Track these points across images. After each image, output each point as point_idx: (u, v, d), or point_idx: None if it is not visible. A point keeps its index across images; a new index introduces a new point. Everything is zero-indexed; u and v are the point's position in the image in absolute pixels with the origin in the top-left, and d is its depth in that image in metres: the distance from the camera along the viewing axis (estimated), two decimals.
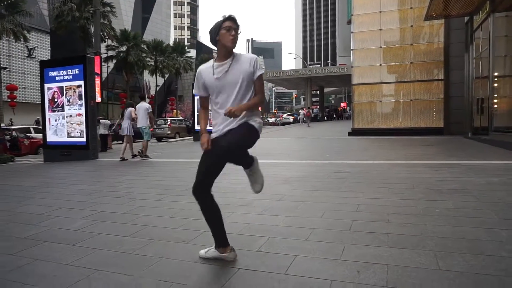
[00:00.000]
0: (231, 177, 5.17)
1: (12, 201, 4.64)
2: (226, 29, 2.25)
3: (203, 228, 3.05)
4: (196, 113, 17.12)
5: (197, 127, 17.13)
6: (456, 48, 14.03)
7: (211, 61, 2.40)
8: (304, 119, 36.34)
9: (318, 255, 2.42)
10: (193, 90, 2.47)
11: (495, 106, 9.83)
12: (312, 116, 37.45)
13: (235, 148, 2.23)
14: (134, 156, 9.47)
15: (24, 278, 2.27)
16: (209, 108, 2.51)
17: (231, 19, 2.29)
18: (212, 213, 2.35)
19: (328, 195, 4.21)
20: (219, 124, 2.35)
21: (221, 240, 2.38)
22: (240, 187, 4.71)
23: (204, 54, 61.92)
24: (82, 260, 2.52)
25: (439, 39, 14.89)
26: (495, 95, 9.85)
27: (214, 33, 2.29)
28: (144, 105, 9.47)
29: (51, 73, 9.88)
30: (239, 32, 2.31)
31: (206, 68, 2.39)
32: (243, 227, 3.09)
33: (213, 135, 2.37)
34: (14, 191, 5.34)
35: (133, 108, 9.55)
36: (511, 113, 8.61)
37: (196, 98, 17.43)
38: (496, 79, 9.80)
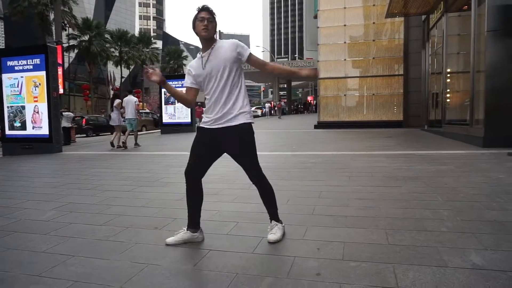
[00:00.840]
0: None
1: None
2: (199, 20, 2.38)
3: (174, 216, 3.21)
4: (163, 105, 16.95)
5: (164, 120, 16.99)
6: (414, 45, 14.79)
7: (199, 54, 2.52)
8: (272, 111, 36.83)
9: (284, 236, 2.64)
10: (185, 82, 2.56)
11: (448, 100, 10.54)
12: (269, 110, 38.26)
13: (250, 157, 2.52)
14: (119, 146, 10.03)
15: (0, 265, 2.32)
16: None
17: (203, 9, 2.39)
18: (197, 197, 2.55)
19: (294, 184, 4.46)
20: (212, 112, 2.44)
21: (195, 222, 2.57)
22: (211, 177, 4.86)
23: (170, 45, 60.73)
24: (56, 247, 2.59)
25: (399, 35, 15.62)
26: (448, 90, 10.56)
27: (192, 26, 2.41)
28: (132, 99, 10.20)
29: (10, 63, 9.46)
30: (212, 21, 2.39)
31: (196, 61, 2.51)
32: (213, 214, 3.26)
33: (205, 123, 2.49)
34: None
35: (119, 100, 10.27)
36: (462, 107, 9.28)
37: (163, 90, 17.24)
38: (448, 75, 10.49)
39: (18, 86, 9.48)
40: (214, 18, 2.42)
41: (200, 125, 2.55)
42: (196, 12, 2.40)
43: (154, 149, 9.60)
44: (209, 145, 2.49)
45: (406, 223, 2.82)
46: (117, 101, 10.33)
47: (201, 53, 2.50)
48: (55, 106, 9.42)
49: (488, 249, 2.25)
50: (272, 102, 44.15)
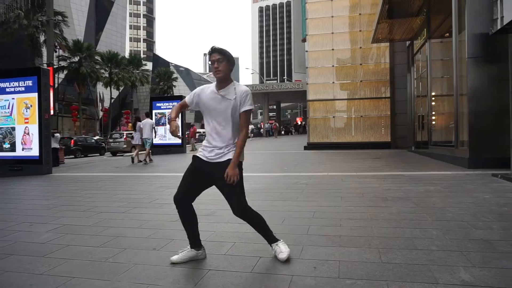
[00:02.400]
0: None
1: None
2: (212, 62, 2.51)
3: (172, 237, 3.26)
4: (153, 126, 16.97)
5: (155, 142, 16.97)
6: (400, 68, 15.34)
7: (213, 86, 2.59)
8: (264, 132, 37.61)
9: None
10: (187, 98, 2.68)
11: (433, 122, 10.89)
12: (266, 130, 38.75)
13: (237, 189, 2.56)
14: (139, 161, 11.79)
15: None
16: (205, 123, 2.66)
17: (214, 51, 2.49)
18: (190, 219, 2.64)
19: (287, 204, 4.55)
20: (208, 147, 2.57)
21: (196, 241, 2.67)
22: (203, 199, 4.92)
23: (160, 67, 61.21)
24: (55, 269, 2.61)
25: (385, 59, 16.18)
26: (433, 113, 10.93)
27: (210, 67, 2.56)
28: (149, 121, 12.02)
29: (1, 84, 9.48)
30: (222, 61, 2.46)
31: (208, 89, 2.60)
32: (210, 234, 3.32)
33: (200, 153, 2.61)
34: None
35: (140, 123, 12.03)
36: (447, 128, 9.59)
37: (154, 111, 17.34)
38: (433, 98, 10.88)
39: (8, 108, 9.46)
40: (225, 56, 2.48)
41: (197, 155, 2.64)
42: (208, 54, 2.54)
43: (146, 171, 9.59)
44: (202, 175, 2.60)
45: (397, 242, 2.92)
46: (138, 123, 12.06)
47: (216, 87, 2.56)
48: (46, 127, 9.41)
49: (476, 266, 2.37)
50: (270, 121, 45.03)
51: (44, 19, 20.67)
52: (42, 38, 31.77)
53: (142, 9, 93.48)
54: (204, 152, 2.58)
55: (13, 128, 9.45)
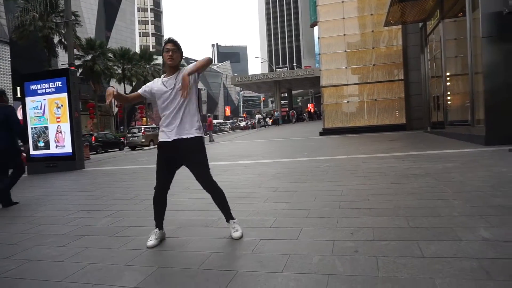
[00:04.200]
0: (228, 176, 5.77)
1: (30, 209, 4.98)
2: (165, 50, 2.88)
3: (217, 215, 3.66)
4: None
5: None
6: (413, 50, 15.38)
7: (161, 77, 2.99)
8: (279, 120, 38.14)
9: (319, 226, 3.10)
10: (140, 89, 3.07)
11: (449, 102, 11.03)
12: (275, 119, 39.15)
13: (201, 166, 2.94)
14: None
15: (91, 259, 2.78)
16: (156, 113, 3.08)
17: (169, 41, 2.88)
18: (164, 204, 3.09)
19: (315, 185, 4.92)
20: (169, 129, 2.89)
21: (161, 223, 3.10)
22: (238, 184, 5.35)
23: None
24: (127, 245, 3.05)
25: (397, 42, 16.21)
26: (448, 93, 11.06)
27: (162, 53, 2.94)
28: None
29: (33, 87, 10.02)
30: (176, 51, 2.84)
31: (158, 80, 2.99)
32: (251, 212, 3.72)
33: (161, 138, 2.95)
34: (26, 200, 5.61)
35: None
36: (463, 108, 9.75)
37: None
38: (448, 78, 11.00)
39: (41, 108, 10.02)
40: (179, 48, 2.88)
41: (160, 140, 2.95)
42: (163, 43, 2.93)
43: None
44: (172, 158, 2.94)
45: (422, 211, 3.27)
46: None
47: (164, 76, 2.95)
48: (77, 125, 9.95)
49: (495, 226, 2.71)
50: (274, 111, 45.27)
51: (62, 21, 21.19)
52: (56, 38, 32.47)
53: (149, 3, 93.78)
54: (165, 134, 2.91)
55: (46, 128, 10.02)
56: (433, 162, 6.03)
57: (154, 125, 31.27)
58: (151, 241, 2.97)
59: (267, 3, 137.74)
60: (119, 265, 2.61)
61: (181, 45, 2.94)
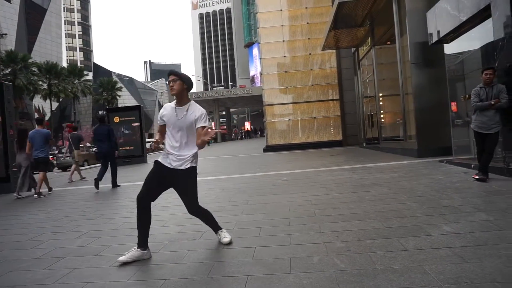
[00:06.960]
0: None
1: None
2: (169, 83, 3.08)
3: (205, 229, 3.73)
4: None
5: None
6: (347, 72, 16.84)
7: (174, 103, 3.12)
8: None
9: (305, 232, 3.36)
10: (159, 121, 3.20)
11: (382, 120, 12.26)
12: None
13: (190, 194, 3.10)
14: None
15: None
16: (166, 133, 3.16)
17: (168, 74, 3.05)
18: (146, 220, 3.01)
19: (283, 197, 5.20)
20: (171, 153, 3.03)
21: (144, 242, 3.01)
22: (208, 199, 5.42)
23: (102, 76, 58.79)
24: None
25: (331, 64, 17.63)
26: (382, 111, 12.30)
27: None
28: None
29: None
30: (176, 80, 2.97)
31: (170, 106, 3.14)
32: (231, 224, 3.86)
33: (161, 158, 3.07)
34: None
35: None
36: (395, 125, 10.93)
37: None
38: (381, 98, 12.26)
39: None
40: (179, 77, 2.99)
41: (160, 161, 3.07)
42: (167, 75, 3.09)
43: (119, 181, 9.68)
44: (164, 178, 3.05)
45: (390, 214, 3.71)
46: None
47: (175, 104, 3.08)
48: (11, 144, 9.11)
49: (452, 222, 3.22)
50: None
51: None
52: None
53: (76, 17, 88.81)
54: (168, 160, 3.04)
55: None
56: (380, 173, 6.71)
57: (89, 144, 29.39)
58: (122, 256, 2.92)
59: (201, 22, 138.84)
60: (121, 282, 2.59)
61: (184, 74, 3.05)
